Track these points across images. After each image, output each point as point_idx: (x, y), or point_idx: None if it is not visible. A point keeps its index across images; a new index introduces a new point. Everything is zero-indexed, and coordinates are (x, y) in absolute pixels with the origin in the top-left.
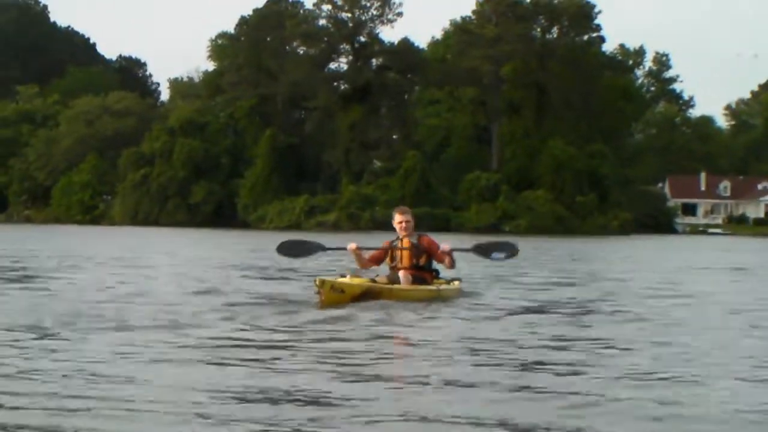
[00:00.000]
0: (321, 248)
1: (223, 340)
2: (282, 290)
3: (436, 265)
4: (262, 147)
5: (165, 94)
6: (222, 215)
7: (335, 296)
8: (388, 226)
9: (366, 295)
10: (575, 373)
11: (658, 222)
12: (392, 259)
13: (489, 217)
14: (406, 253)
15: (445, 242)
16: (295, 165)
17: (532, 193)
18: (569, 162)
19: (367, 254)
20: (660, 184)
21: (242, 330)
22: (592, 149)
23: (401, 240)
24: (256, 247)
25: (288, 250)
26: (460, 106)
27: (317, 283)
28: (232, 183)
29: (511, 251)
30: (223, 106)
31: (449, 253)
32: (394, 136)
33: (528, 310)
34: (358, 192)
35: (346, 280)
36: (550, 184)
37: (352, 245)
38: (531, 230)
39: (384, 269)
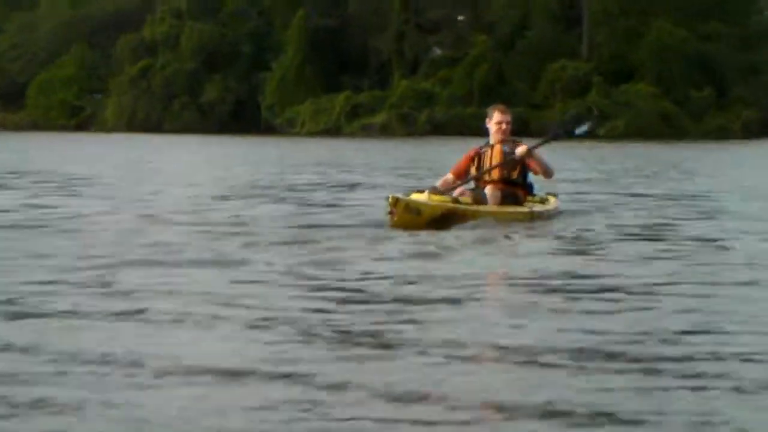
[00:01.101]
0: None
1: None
2: (331, 218)
3: (532, 177)
4: (292, 31)
5: None
6: (242, 117)
7: (410, 217)
8: (449, 130)
9: (446, 217)
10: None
11: None
12: (479, 168)
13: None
14: (496, 161)
15: (519, 147)
16: (333, 53)
17: (632, 86)
18: (678, 47)
19: (448, 176)
20: None
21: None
22: (707, 30)
23: (492, 147)
24: (293, 158)
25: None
26: None
27: (390, 201)
28: (255, 77)
29: (592, 119)
30: None
31: (530, 157)
32: (459, 17)
33: (639, 247)
34: (414, 87)
35: (423, 197)
36: (654, 76)
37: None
38: (631, 133)
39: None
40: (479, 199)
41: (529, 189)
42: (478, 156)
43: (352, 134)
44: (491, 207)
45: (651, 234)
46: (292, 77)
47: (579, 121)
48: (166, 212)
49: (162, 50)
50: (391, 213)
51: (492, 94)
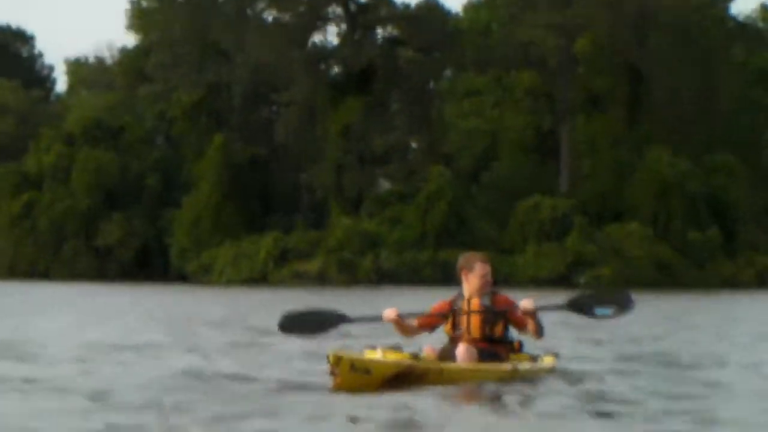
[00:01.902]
0: (343, 319)
1: None
2: (274, 374)
3: (518, 335)
4: (209, 162)
5: (61, 83)
6: (147, 264)
7: (358, 378)
8: (398, 278)
9: (403, 377)
10: None
11: None
12: (454, 327)
13: (555, 263)
14: (476, 320)
15: (526, 299)
16: (259, 188)
17: (622, 227)
18: (679, 181)
19: (413, 320)
20: None
21: None
22: (713, 162)
23: (468, 300)
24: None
25: (294, 325)
26: (513, 99)
27: (330, 359)
28: (163, 216)
29: (624, 304)
30: (149, 101)
31: (532, 314)
32: (412, 145)
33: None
34: (356, 228)
35: (376, 355)
36: (648, 215)
37: (390, 312)
38: (619, 283)
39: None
40: (446, 355)
41: (518, 345)
42: (453, 313)
43: (281, 283)
44: (461, 364)
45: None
46: (207, 216)
47: (608, 302)
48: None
49: (49, 184)
50: (332, 374)
51: (451, 236)
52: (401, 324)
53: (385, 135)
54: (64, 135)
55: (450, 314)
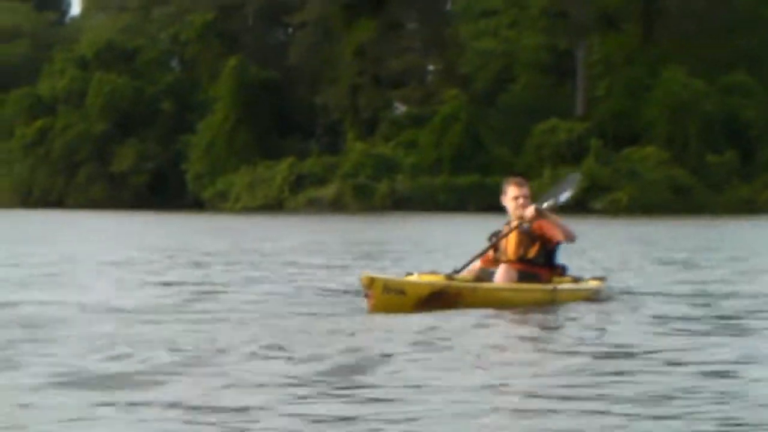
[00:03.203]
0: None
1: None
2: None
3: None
4: (223, 85)
5: (76, 5)
6: (162, 191)
7: (391, 299)
8: (414, 204)
9: (437, 297)
10: None
11: None
12: (496, 249)
13: None
14: (511, 241)
15: (528, 208)
16: (273, 112)
17: (638, 150)
18: (695, 102)
19: (475, 264)
20: None
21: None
22: (730, 81)
23: (509, 224)
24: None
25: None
26: (528, 18)
27: (364, 281)
28: (178, 141)
29: (573, 183)
30: (162, 22)
31: (542, 217)
32: (429, 67)
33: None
34: (371, 152)
35: (412, 278)
36: (664, 137)
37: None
38: (636, 208)
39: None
40: (483, 277)
41: (558, 269)
42: (495, 237)
43: (297, 209)
44: (497, 284)
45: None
46: (222, 141)
47: (563, 190)
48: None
49: (63, 109)
50: (366, 296)
51: (467, 160)
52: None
53: (400, 56)
54: (78, 58)
55: (492, 237)
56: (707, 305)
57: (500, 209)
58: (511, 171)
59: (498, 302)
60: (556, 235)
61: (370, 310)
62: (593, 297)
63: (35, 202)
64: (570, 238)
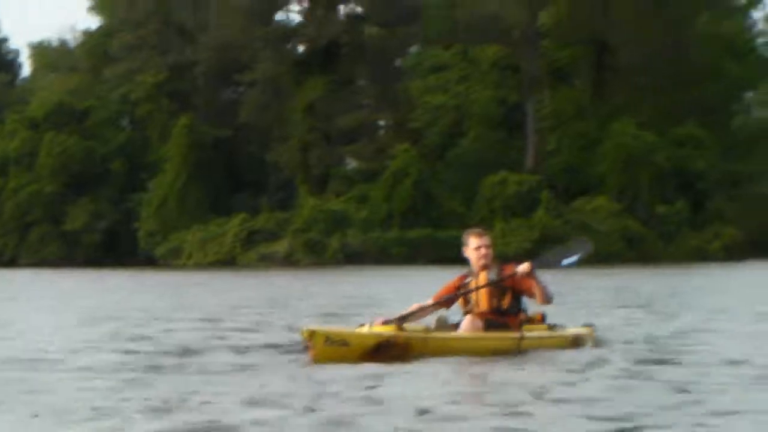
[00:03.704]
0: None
1: None
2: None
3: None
4: (174, 144)
5: (25, 68)
6: (115, 248)
7: (335, 350)
8: (366, 258)
9: (387, 348)
10: None
11: None
12: (466, 302)
13: (522, 240)
14: (483, 293)
15: (523, 264)
16: (225, 169)
17: (589, 201)
18: (645, 154)
19: (428, 301)
20: None
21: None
22: (680, 133)
23: (476, 275)
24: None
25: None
26: (479, 73)
27: (304, 334)
28: (130, 200)
29: (582, 249)
30: (113, 83)
31: (532, 276)
32: (380, 122)
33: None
34: (322, 207)
35: (364, 329)
36: (615, 189)
37: (378, 320)
38: (587, 258)
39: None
40: (443, 324)
41: (525, 318)
42: (463, 288)
43: (249, 265)
44: (449, 333)
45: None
46: (174, 199)
47: (570, 252)
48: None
49: (14, 170)
50: (307, 348)
51: (418, 214)
52: (421, 309)
53: (352, 113)
54: (28, 119)
55: (460, 288)
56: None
57: (452, 261)
58: (462, 224)
59: (453, 351)
60: (536, 295)
61: (313, 361)
62: (570, 345)
63: None
64: (548, 301)
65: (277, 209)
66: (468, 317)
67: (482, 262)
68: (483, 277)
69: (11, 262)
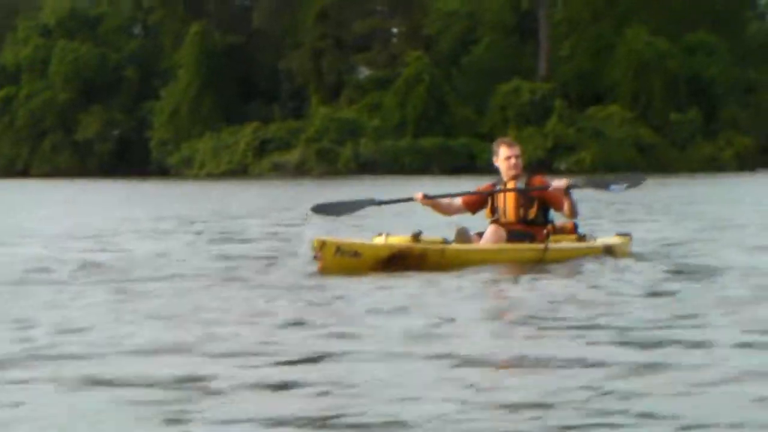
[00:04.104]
0: (371, 203)
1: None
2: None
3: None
4: (187, 51)
5: None
6: (126, 158)
7: (345, 261)
8: (378, 167)
9: (400, 259)
10: None
11: None
12: (493, 210)
13: (535, 148)
14: (510, 202)
15: (557, 179)
16: (237, 77)
17: (602, 109)
18: (658, 61)
19: (454, 199)
20: None
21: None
22: (693, 40)
23: (504, 184)
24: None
25: (325, 208)
26: None
27: (314, 244)
28: (142, 108)
29: (634, 181)
30: None
31: (566, 192)
32: (393, 29)
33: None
34: (335, 116)
35: (379, 239)
36: (628, 96)
37: (418, 194)
38: (601, 167)
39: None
40: (463, 236)
41: (553, 228)
42: (492, 197)
43: (261, 174)
44: (467, 245)
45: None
46: (186, 108)
47: (621, 180)
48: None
49: (27, 77)
50: (316, 258)
51: (431, 122)
52: (435, 203)
53: (364, 20)
54: (41, 26)
55: (490, 196)
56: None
57: (464, 170)
58: (474, 132)
59: (471, 263)
60: (563, 210)
61: (320, 272)
62: (599, 255)
63: (0, 171)
64: (574, 215)
65: (289, 118)
66: (492, 226)
67: (512, 172)
68: (511, 186)
69: (24, 173)
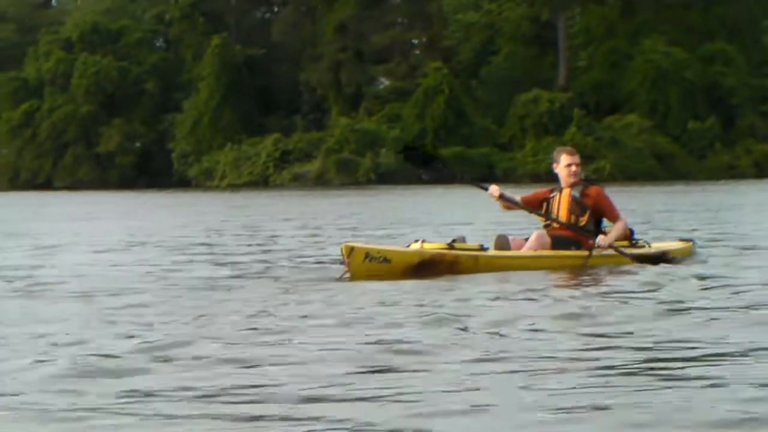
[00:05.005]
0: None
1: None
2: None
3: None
4: (207, 64)
5: None
6: (149, 169)
7: (375, 267)
8: (397, 177)
9: (432, 265)
10: None
11: None
12: (547, 215)
13: None
14: (563, 209)
15: (602, 236)
16: (257, 90)
17: (620, 119)
18: (675, 70)
19: (516, 197)
20: None
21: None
22: (710, 50)
23: (560, 191)
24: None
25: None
26: None
27: (343, 250)
28: (164, 120)
29: (675, 261)
30: (147, 3)
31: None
32: (413, 41)
33: None
34: (354, 127)
35: (415, 245)
36: (646, 106)
37: (494, 188)
38: (619, 175)
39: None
40: (501, 243)
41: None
42: (547, 201)
43: (282, 184)
44: (503, 252)
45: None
46: (207, 120)
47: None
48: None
49: (49, 90)
50: (343, 264)
51: (450, 132)
52: (505, 198)
53: (384, 32)
54: (63, 40)
55: (546, 201)
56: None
57: (484, 180)
58: (494, 142)
59: (505, 270)
60: (613, 219)
61: (351, 278)
62: (657, 261)
63: (23, 184)
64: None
65: (310, 129)
66: (536, 232)
67: (571, 179)
68: (566, 193)
69: (46, 184)
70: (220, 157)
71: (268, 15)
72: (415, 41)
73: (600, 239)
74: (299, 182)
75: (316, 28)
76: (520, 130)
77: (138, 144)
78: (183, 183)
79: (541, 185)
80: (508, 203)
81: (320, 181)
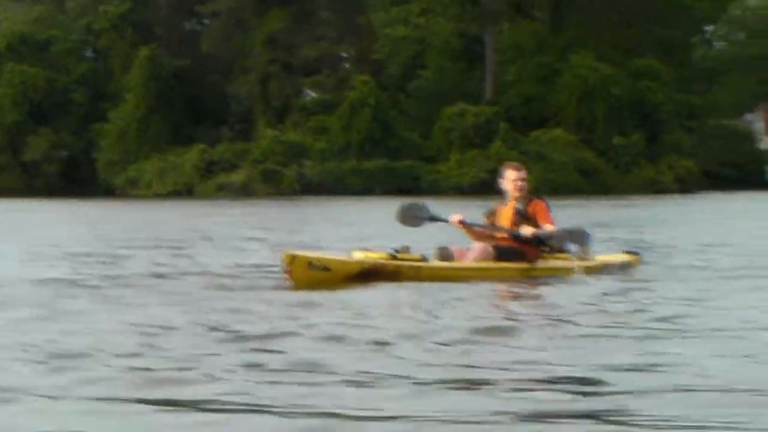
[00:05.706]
0: (429, 218)
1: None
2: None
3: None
4: (135, 75)
5: None
6: (75, 178)
7: (316, 275)
8: (323, 189)
9: (369, 275)
10: None
11: (742, 172)
12: (492, 226)
13: (478, 170)
14: (506, 221)
15: (525, 227)
16: (184, 101)
17: (546, 133)
18: (603, 85)
19: (477, 228)
20: (747, 116)
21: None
22: (637, 66)
23: (506, 204)
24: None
25: (408, 217)
26: (439, 6)
27: (285, 258)
28: (90, 130)
29: (583, 240)
30: (75, 13)
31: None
32: (342, 54)
33: None
34: (281, 138)
35: (360, 255)
36: (573, 120)
37: (455, 217)
38: (544, 189)
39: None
40: (443, 254)
41: (546, 249)
42: (493, 215)
43: (208, 195)
44: (442, 263)
45: None
46: (134, 130)
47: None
48: None
49: None
50: (286, 272)
51: (376, 145)
52: (468, 227)
53: (313, 44)
54: None
55: (490, 215)
56: None
57: (407, 192)
58: (419, 155)
59: (447, 281)
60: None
61: (292, 286)
62: (598, 272)
63: None
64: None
65: (236, 140)
66: (479, 244)
67: (517, 193)
68: (510, 206)
69: None
70: (146, 166)
71: (198, 27)
72: (345, 54)
73: (523, 228)
74: (224, 192)
75: (245, 40)
76: (446, 143)
77: (64, 153)
78: (108, 192)
79: (464, 198)
80: (471, 228)
81: (245, 192)
